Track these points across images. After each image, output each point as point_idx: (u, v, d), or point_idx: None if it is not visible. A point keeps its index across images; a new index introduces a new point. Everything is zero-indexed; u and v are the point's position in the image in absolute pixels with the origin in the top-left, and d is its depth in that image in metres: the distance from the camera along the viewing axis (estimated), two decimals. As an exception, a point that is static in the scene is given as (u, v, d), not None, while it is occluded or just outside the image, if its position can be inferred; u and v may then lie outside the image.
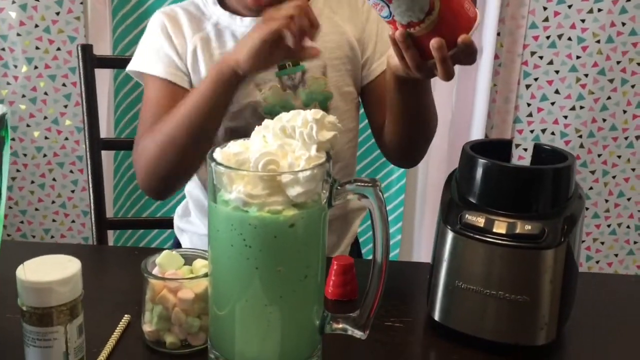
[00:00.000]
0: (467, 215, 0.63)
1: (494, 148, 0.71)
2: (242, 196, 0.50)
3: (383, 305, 0.63)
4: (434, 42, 0.66)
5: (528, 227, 0.61)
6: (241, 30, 0.93)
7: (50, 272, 0.55)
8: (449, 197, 0.67)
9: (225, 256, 0.52)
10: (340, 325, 0.58)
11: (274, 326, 0.53)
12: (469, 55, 0.68)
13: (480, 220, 0.62)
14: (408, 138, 0.92)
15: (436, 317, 0.67)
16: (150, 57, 0.95)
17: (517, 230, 0.61)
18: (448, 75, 0.68)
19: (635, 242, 1.99)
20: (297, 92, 0.92)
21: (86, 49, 1.06)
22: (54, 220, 1.90)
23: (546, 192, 0.63)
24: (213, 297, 0.56)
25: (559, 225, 0.62)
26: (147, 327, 0.64)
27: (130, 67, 0.97)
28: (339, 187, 0.54)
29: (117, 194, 1.77)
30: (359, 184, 0.54)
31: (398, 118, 0.89)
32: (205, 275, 0.61)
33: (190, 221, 1.06)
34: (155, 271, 0.65)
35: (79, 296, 0.57)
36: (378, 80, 0.96)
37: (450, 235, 0.64)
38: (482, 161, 0.65)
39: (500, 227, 0.61)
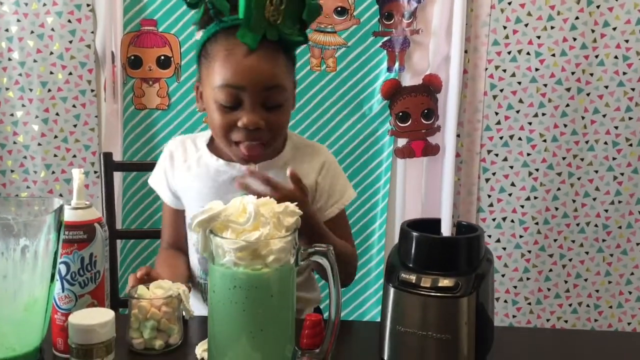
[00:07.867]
0: (402, 275, 0.84)
1: (427, 224, 0.92)
2: (233, 258, 0.71)
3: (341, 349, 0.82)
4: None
5: (446, 281, 0.81)
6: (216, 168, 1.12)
7: (93, 318, 0.75)
8: (390, 262, 0.88)
9: (222, 302, 0.72)
10: (306, 359, 0.78)
11: (257, 350, 0.72)
12: None
13: (412, 278, 0.83)
14: None
15: (385, 356, 0.86)
16: (160, 184, 1.18)
17: (439, 284, 0.81)
18: None
19: (595, 320, 2.15)
20: None
21: (107, 157, 1.30)
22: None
23: (461, 256, 0.84)
24: (212, 332, 0.75)
25: (471, 280, 0.82)
26: (136, 340, 0.85)
27: (150, 183, 1.21)
28: (302, 251, 0.75)
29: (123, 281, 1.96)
30: (317, 248, 0.76)
31: None
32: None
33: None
34: None
35: (112, 337, 0.76)
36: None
37: (391, 290, 0.84)
38: (414, 234, 0.86)
39: (426, 282, 0.82)
